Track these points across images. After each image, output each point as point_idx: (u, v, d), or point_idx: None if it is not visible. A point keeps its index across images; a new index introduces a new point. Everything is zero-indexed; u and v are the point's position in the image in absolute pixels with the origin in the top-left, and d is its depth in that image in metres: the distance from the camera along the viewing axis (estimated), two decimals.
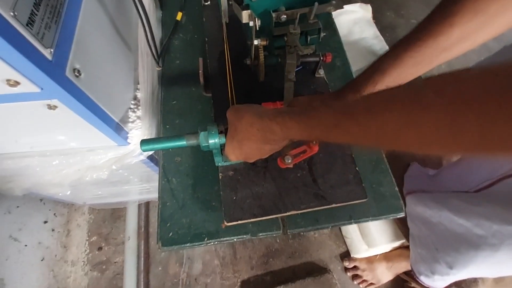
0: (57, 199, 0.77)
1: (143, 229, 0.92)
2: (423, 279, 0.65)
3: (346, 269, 0.88)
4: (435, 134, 0.20)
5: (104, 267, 0.89)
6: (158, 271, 0.90)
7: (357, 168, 0.49)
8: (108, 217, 0.97)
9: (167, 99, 0.58)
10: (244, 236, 0.46)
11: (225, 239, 0.46)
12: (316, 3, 0.41)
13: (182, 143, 0.40)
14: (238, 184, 0.47)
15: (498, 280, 0.75)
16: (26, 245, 0.70)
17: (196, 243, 0.46)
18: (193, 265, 0.91)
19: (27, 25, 0.27)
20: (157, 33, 0.63)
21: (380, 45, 1.07)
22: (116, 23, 0.48)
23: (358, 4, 1.11)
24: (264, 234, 0.47)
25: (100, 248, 0.92)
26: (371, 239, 0.83)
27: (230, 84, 0.54)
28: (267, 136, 0.32)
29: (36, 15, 0.28)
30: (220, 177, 0.47)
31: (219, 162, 0.47)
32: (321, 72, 0.58)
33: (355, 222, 0.49)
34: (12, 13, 0.25)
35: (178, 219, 0.47)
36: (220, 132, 0.40)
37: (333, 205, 0.47)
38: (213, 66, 0.57)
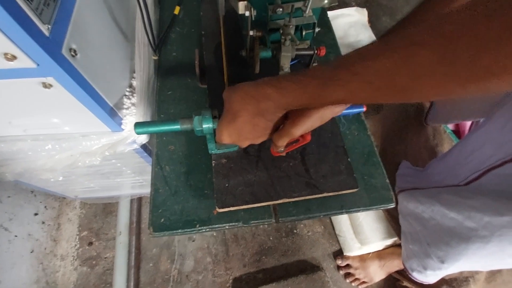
0: (49, 191, 0.76)
1: (134, 224, 0.91)
2: (416, 275, 0.66)
3: (339, 267, 0.88)
4: (429, 69, 0.20)
5: (94, 262, 0.88)
6: (149, 267, 0.89)
7: (349, 159, 0.50)
8: (100, 212, 0.96)
9: (163, 89, 0.58)
10: (236, 223, 0.46)
11: (216, 226, 0.46)
12: None
13: (176, 127, 0.41)
14: (230, 172, 0.47)
15: (490, 280, 0.75)
16: (16, 236, 0.69)
17: (188, 230, 0.46)
18: (184, 262, 0.91)
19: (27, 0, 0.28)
20: (155, 27, 0.64)
21: None
22: (114, 11, 0.48)
23: (354, 8, 1.14)
24: (256, 221, 0.47)
25: (90, 243, 0.91)
26: (363, 237, 0.83)
27: (226, 75, 0.55)
28: (261, 104, 0.33)
29: None
30: (213, 164, 0.48)
31: (212, 149, 0.48)
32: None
33: (346, 212, 0.49)
34: None
35: (170, 205, 0.47)
36: (214, 117, 0.41)
37: (325, 194, 0.47)
38: (209, 58, 0.58)
